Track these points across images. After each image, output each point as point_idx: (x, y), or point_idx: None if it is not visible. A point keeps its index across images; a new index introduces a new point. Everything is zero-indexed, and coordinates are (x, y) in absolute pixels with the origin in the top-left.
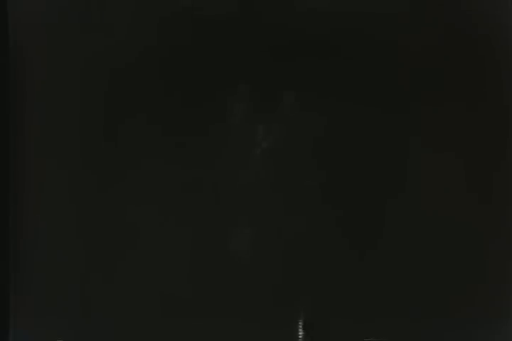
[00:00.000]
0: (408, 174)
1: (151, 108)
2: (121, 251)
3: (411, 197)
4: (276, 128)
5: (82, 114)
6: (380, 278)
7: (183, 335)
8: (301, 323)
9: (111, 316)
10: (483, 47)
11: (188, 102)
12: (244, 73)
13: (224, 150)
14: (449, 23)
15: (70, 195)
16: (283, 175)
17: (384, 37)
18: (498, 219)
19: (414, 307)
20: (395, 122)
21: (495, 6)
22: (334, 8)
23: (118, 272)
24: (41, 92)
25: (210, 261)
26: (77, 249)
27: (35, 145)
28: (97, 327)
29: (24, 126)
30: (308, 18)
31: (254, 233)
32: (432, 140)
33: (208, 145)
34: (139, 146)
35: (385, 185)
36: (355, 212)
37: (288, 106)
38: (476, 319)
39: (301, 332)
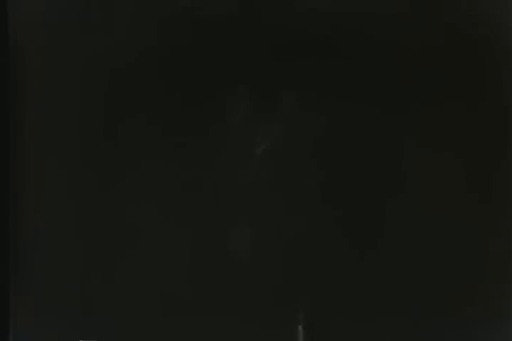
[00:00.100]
0: (408, 174)
1: (151, 108)
2: (121, 251)
3: (411, 197)
4: (276, 128)
5: (82, 114)
6: (380, 278)
7: (183, 335)
8: (301, 323)
9: (111, 316)
10: (483, 47)
11: (188, 102)
12: (245, 73)
13: (224, 150)
14: (449, 23)
15: (70, 195)
16: (283, 175)
17: (384, 37)
18: (498, 219)
19: (414, 307)
20: (395, 122)
21: (495, 6)
22: (334, 8)
23: (118, 272)
24: (41, 92)
25: (210, 261)
26: (77, 249)
27: (35, 145)
28: (97, 327)
29: (24, 126)
30: (308, 18)
31: (254, 233)
32: (432, 140)
33: (208, 145)
34: (139, 146)
35: (385, 185)
36: (355, 212)
37: (288, 106)
38: (476, 319)
39: (301, 332)
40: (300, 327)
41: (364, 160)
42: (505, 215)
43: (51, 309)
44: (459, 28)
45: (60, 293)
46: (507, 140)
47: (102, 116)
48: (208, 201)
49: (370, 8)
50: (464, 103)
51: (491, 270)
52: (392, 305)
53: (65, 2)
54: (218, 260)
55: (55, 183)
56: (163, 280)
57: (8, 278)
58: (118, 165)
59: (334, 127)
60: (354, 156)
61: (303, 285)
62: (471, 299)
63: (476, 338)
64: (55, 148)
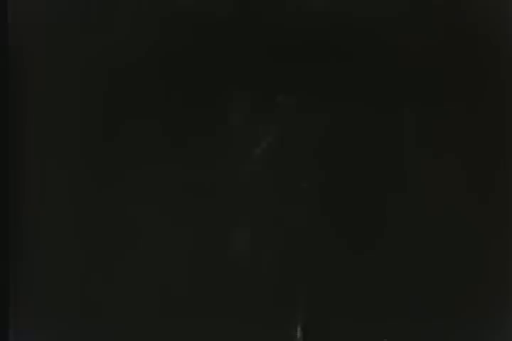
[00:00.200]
0: (408, 174)
1: (150, 108)
2: (122, 251)
3: (411, 197)
4: (276, 129)
5: (82, 114)
6: (380, 279)
7: (183, 335)
8: (300, 323)
9: (111, 316)
10: (483, 47)
11: (187, 102)
12: (244, 73)
13: (224, 151)
14: (449, 23)
15: (70, 195)
16: (283, 175)
17: (384, 37)
18: (498, 219)
19: (413, 307)
20: (395, 122)
21: (495, 6)
22: (334, 9)
23: (118, 272)
24: (41, 92)
25: (210, 261)
26: (77, 249)
27: (35, 145)
28: (97, 327)
29: (24, 126)
30: (307, 19)
31: (253, 233)
32: (432, 140)
33: (208, 145)
34: (139, 146)
35: (384, 186)
36: (354, 213)
37: (288, 106)
38: (476, 319)
39: (300, 333)
40: (299, 327)
41: (364, 161)
42: (505, 215)
43: (51, 309)
44: (459, 28)
45: (60, 293)
46: (507, 140)
47: (102, 116)
48: (207, 201)
49: (369, 8)
50: (464, 103)
51: (491, 270)
52: (392, 305)
53: (65, 2)
54: (218, 260)
55: (55, 183)
56: (163, 280)
57: (8, 278)
58: (118, 165)
59: (334, 127)
60: (354, 157)
61: (302, 285)
62: (471, 299)
63: (476, 338)
64: (55, 148)
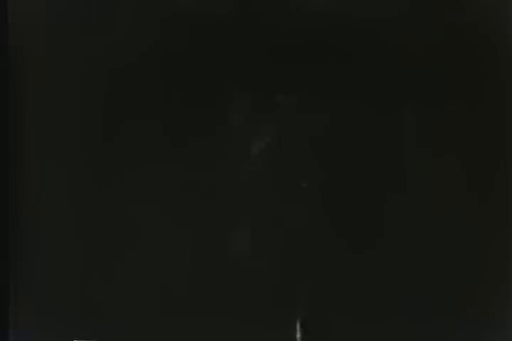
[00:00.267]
0: (408, 174)
1: (150, 108)
2: (122, 251)
3: (411, 198)
4: (276, 129)
5: (82, 114)
6: (380, 279)
7: (183, 335)
8: (299, 323)
9: (111, 316)
10: (483, 47)
11: (187, 102)
12: (244, 73)
13: (224, 151)
14: (449, 23)
15: (70, 195)
16: (283, 175)
17: (384, 37)
18: (498, 219)
19: (413, 307)
20: (395, 122)
21: (495, 6)
22: (334, 9)
23: (118, 272)
24: (41, 92)
25: (210, 261)
26: (77, 249)
27: (35, 145)
28: (97, 327)
29: (24, 126)
30: (307, 19)
31: (253, 233)
32: (432, 140)
33: (208, 145)
34: (139, 146)
35: (384, 186)
36: (354, 212)
37: (288, 106)
38: (476, 319)
39: (299, 332)
40: (298, 327)
41: (364, 161)
42: (505, 215)
43: (51, 309)
44: (459, 28)
45: (60, 293)
46: (507, 140)
47: (102, 116)
48: (207, 201)
49: (369, 8)
50: (463, 103)
51: (491, 270)
52: (392, 305)
53: (65, 2)
54: (218, 260)
55: (55, 183)
56: (163, 280)
57: (8, 278)
58: (118, 165)
59: (334, 127)
60: (354, 156)
61: (302, 285)
62: (471, 299)
63: (476, 338)
64: (55, 148)
